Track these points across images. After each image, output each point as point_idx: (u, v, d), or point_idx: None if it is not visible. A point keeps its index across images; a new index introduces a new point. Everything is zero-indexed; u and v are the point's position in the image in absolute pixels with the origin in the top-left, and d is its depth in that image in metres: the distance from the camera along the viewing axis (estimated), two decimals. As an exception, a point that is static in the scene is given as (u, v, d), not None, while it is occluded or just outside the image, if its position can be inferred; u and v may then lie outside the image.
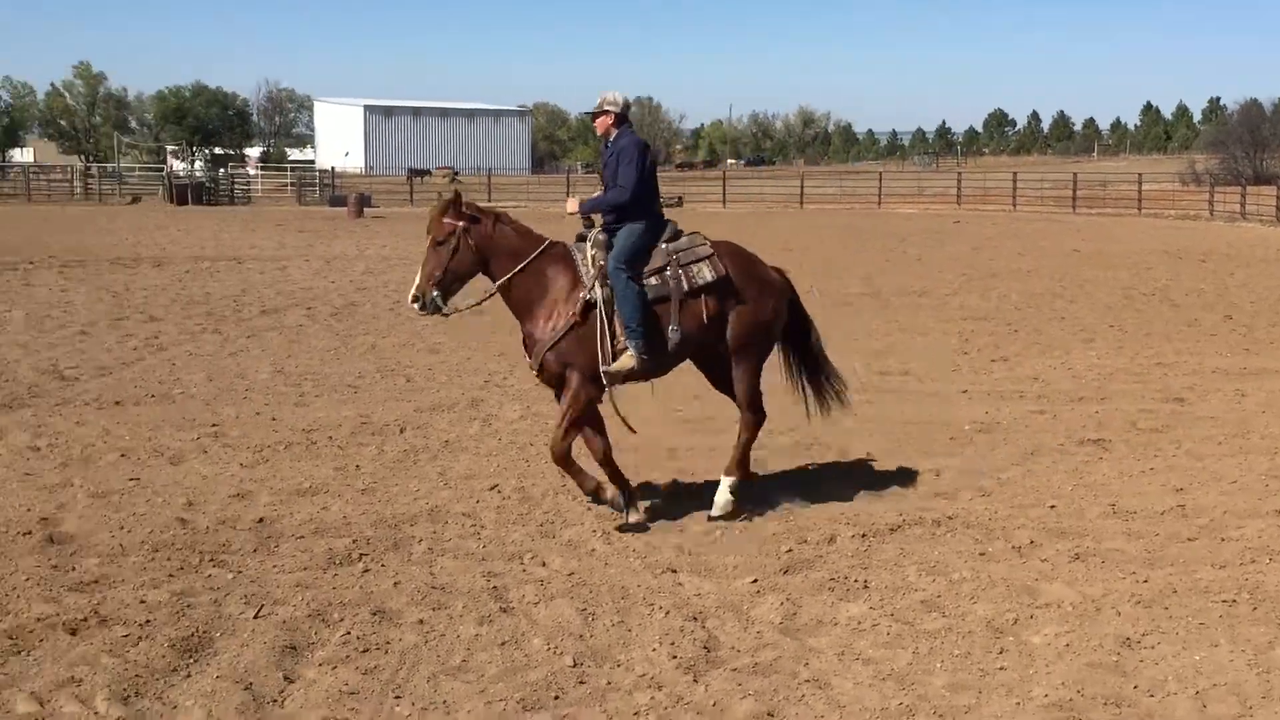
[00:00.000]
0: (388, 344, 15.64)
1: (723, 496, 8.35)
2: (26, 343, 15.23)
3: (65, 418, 11.01)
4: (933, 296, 21.13)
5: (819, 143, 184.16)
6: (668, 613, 6.61)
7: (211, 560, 7.33)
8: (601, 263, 8.07)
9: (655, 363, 8.19)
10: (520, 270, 8.09)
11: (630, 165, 8.12)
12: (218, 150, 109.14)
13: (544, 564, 7.40)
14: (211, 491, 8.79)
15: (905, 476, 9.36)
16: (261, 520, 8.11)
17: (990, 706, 5.58)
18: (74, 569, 7.13)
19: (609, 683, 5.81)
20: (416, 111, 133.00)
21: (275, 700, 5.59)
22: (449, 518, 8.26)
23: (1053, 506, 8.58)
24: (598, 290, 7.99)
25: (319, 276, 24.44)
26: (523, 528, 8.08)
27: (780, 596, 6.86)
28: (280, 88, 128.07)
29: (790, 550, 7.66)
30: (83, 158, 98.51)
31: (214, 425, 10.82)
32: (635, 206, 8.19)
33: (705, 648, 6.18)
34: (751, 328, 8.36)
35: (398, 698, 5.63)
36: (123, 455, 9.74)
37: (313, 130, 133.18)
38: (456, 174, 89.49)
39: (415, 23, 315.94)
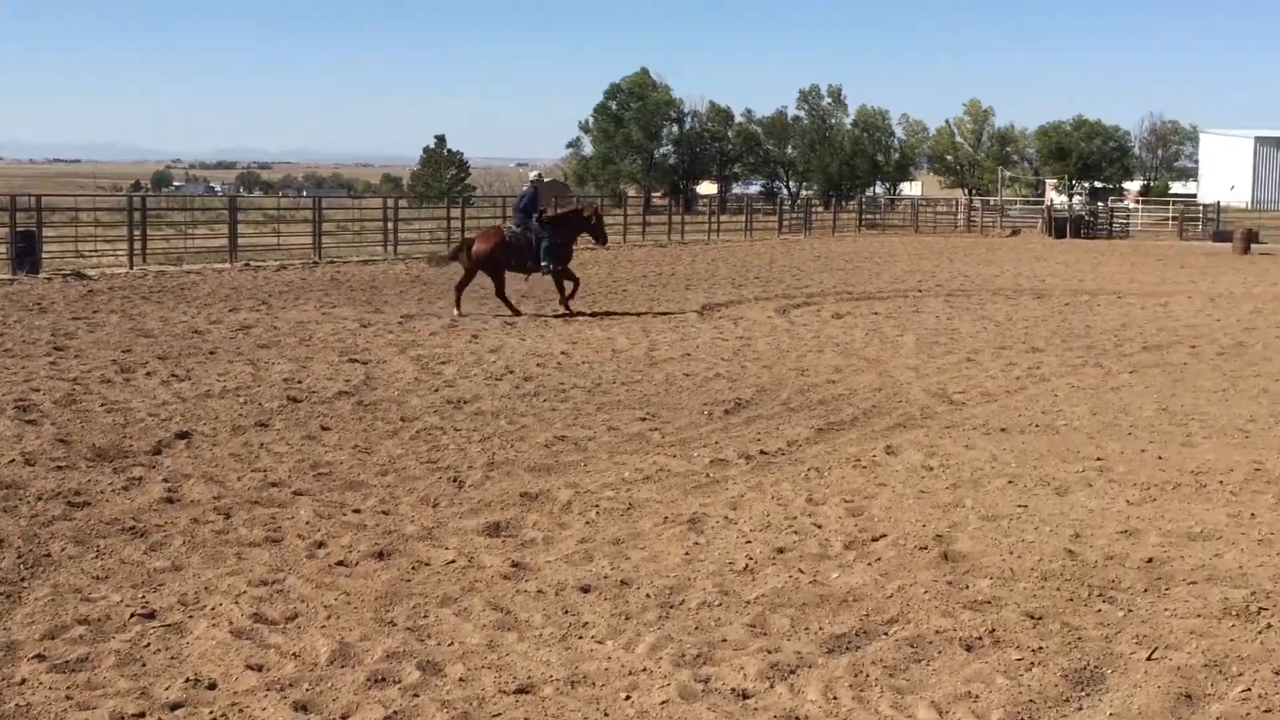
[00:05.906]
0: (1284, 388, 14.19)
1: None
2: (917, 366, 16.21)
3: (954, 440, 11.54)
4: None
5: None
6: None
7: (1100, 595, 7.29)
8: None
9: None
10: None
11: None
12: (1096, 184, 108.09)
13: None
14: (1098, 525, 8.73)
15: None
16: (1150, 560, 7.91)
17: None
18: (967, 587, 7.43)
19: None
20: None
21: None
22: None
23: None
24: None
25: (1202, 314, 23.50)
26: None
27: None
28: (1164, 120, 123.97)
29: None
30: (965, 191, 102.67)
31: (1098, 459, 10.75)
32: None
33: None
34: None
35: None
36: (1010, 481, 9.99)
37: (1196, 163, 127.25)
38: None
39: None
